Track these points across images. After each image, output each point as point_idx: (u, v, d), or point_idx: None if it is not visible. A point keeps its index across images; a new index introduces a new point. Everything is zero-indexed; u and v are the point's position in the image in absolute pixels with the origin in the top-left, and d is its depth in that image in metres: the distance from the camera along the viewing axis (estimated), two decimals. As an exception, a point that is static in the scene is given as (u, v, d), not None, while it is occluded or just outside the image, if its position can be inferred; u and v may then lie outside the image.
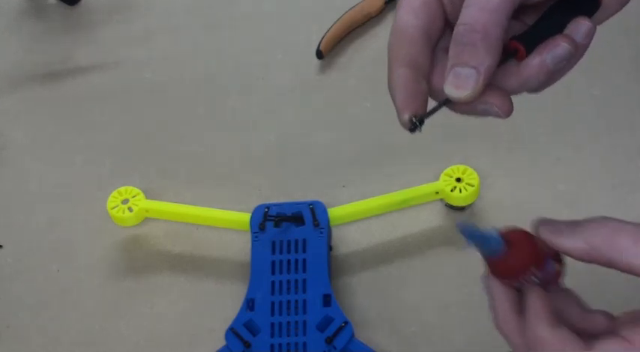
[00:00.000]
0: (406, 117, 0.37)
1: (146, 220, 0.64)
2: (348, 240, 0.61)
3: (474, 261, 0.60)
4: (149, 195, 0.63)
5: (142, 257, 0.62)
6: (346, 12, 0.76)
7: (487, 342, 0.55)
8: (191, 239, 0.63)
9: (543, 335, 0.35)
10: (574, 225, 0.36)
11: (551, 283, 0.38)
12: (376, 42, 0.75)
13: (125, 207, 0.62)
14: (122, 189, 0.63)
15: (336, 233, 0.61)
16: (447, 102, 0.37)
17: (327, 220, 0.58)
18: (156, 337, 0.58)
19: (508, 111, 0.37)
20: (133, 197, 0.62)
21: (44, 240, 0.65)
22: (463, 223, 0.36)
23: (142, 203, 0.62)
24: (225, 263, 0.61)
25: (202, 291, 0.60)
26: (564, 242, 0.36)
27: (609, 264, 0.35)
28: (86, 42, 0.80)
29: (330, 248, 0.59)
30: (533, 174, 0.63)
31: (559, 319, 0.36)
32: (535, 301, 0.36)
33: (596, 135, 0.65)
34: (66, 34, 0.81)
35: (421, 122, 0.37)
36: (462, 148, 0.65)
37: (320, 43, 0.73)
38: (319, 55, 0.73)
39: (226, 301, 0.58)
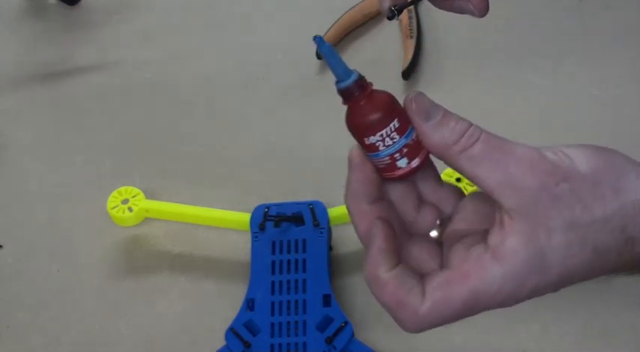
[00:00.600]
0: (386, 5, 0.40)
1: (146, 220, 0.64)
2: (348, 240, 0.61)
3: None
4: (149, 195, 0.63)
5: (142, 257, 0.63)
6: (346, 12, 0.76)
7: (487, 342, 0.55)
8: (191, 239, 0.63)
9: (379, 277, 0.35)
10: (441, 116, 0.35)
11: (420, 156, 0.36)
12: (376, 42, 0.75)
13: (125, 207, 0.62)
14: (122, 189, 0.63)
15: (336, 233, 0.61)
16: None
17: (327, 220, 0.58)
18: (156, 337, 0.58)
19: (483, 11, 0.40)
20: (133, 197, 0.63)
21: (44, 240, 0.65)
22: (322, 39, 0.35)
23: (142, 203, 0.62)
24: (225, 263, 0.61)
25: (202, 291, 0.60)
26: (426, 128, 0.35)
27: (454, 166, 0.35)
28: (86, 42, 0.80)
29: (330, 248, 0.59)
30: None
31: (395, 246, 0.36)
32: (377, 238, 0.35)
33: (597, 135, 0.65)
34: (66, 34, 0.81)
35: (399, 11, 0.40)
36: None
37: (320, 43, 0.73)
38: (319, 55, 0.73)
39: (226, 301, 0.58)
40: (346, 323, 0.53)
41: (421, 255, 0.37)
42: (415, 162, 0.35)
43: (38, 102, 0.75)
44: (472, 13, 0.40)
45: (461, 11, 0.41)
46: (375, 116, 0.35)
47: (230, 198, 0.64)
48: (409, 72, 0.70)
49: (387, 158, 0.35)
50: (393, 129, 0.35)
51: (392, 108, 0.35)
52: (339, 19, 0.75)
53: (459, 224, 0.37)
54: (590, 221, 0.33)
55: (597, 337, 0.54)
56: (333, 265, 0.59)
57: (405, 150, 0.35)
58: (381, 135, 0.35)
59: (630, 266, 0.36)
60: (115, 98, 0.74)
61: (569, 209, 0.33)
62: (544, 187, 0.33)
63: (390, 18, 0.41)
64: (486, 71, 0.71)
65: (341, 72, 0.35)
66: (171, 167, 0.68)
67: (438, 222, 0.38)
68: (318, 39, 0.35)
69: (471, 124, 0.35)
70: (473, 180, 0.35)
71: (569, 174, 0.33)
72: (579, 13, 0.74)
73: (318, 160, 0.67)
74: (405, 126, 0.35)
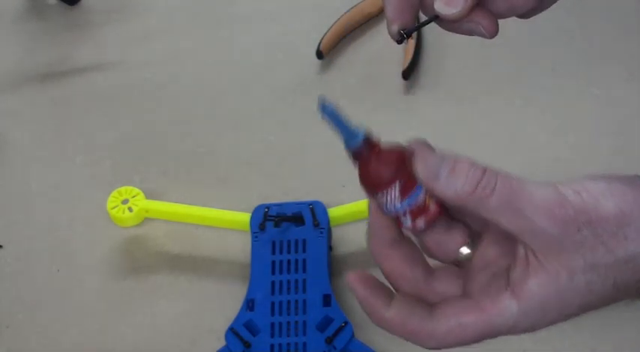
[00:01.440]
0: (395, 28, 0.39)
1: (146, 220, 0.64)
2: (348, 240, 0.61)
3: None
4: (149, 195, 0.63)
5: (142, 257, 0.62)
6: (346, 12, 0.76)
7: (487, 342, 0.54)
8: (191, 239, 0.63)
9: (384, 317, 0.35)
10: (450, 169, 0.34)
11: (425, 217, 0.35)
12: (376, 42, 0.75)
13: (125, 207, 0.62)
14: (122, 189, 0.63)
15: (336, 233, 0.61)
16: (435, 18, 0.39)
17: (327, 220, 0.58)
18: (156, 337, 0.58)
19: (493, 33, 0.39)
20: (133, 197, 0.62)
21: (44, 240, 0.65)
22: (324, 101, 0.34)
23: (141, 203, 0.62)
24: (225, 263, 0.61)
25: (202, 291, 0.60)
26: (436, 186, 0.34)
27: (473, 212, 0.34)
28: (86, 42, 0.80)
29: (330, 248, 0.59)
30: (533, 174, 0.63)
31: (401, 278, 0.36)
32: (357, 291, 0.36)
33: (596, 135, 0.65)
34: (66, 34, 0.81)
35: (408, 35, 0.40)
36: (461, 148, 0.65)
37: (320, 43, 0.73)
38: (319, 55, 0.73)
39: (226, 301, 0.58)
40: (346, 323, 0.53)
41: (446, 288, 0.37)
42: (420, 223, 0.35)
43: (38, 102, 0.75)
44: (482, 35, 0.40)
45: (470, 33, 0.40)
46: (379, 176, 0.35)
47: (230, 198, 0.64)
48: (409, 72, 0.70)
49: (394, 214, 0.35)
50: (396, 189, 0.35)
51: (398, 168, 0.35)
52: (339, 19, 0.75)
53: (488, 246, 0.36)
54: (612, 261, 0.33)
55: (598, 337, 0.54)
56: (333, 265, 0.59)
57: (409, 210, 0.35)
58: (383, 194, 0.35)
59: None
60: (115, 98, 0.74)
61: (592, 251, 0.33)
62: (566, 234, 0.33)
63: (399, 42, 0.41)
64: (486, 71, 0.71)
65: (347, 133, 0.35)
66: (171, 167, 0.68)
67: (468, 241, 0.37)
68: (321, 104, 0.34)
69: (484, 171, 0.34)
70: (494, 223, 0.34)
71: (592, 217, 0.33)
72: (579, 13, 0.74)
73: (318, 160, 0.67)
74: (413, 183, 0.35)
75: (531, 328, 0.34)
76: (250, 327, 0.54)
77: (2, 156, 0.71)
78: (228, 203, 0.63)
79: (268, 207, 0.59)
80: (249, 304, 0.55)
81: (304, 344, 0.53)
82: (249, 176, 0.67)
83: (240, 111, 0.72)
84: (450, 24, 0.40)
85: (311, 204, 0.59)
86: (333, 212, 0.59)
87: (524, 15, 0.42)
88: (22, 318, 0.60)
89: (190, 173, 0.68)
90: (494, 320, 0.34)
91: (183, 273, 0.61)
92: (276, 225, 0.58)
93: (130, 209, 0.62)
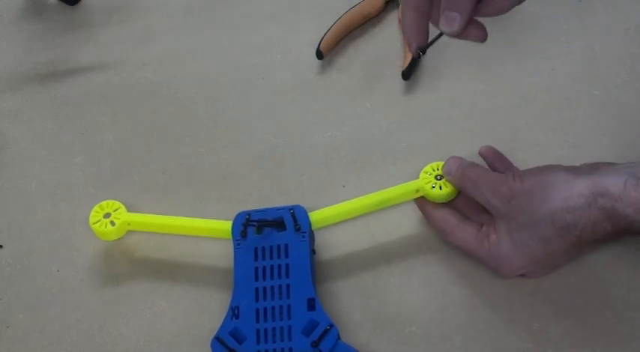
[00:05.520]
0: (414, 46, 0.53)
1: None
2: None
3: (471, 262, 0.60)
4: (149, 194, 0.63)
5: (142, 257, 0.63)
6: (346, 12, 0.76)
7: (487, 342, 0.55)
8: (191, 240, 0.63)
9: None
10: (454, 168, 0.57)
11: None
12: (376, 42, 0.75)
13: (107, 221, 0.61)
14: (104, 203, 0.62)
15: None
16: (441, 34, 0.53)
17: (309, 224, 0.57)
18: (155, 337, 0.58)
19: (483, 39, 0.52)
20: (115, 210, 0.62)
21: (44, 240, 0.65)
22: None
23: (123, 216, 0.61)
24: (224, 263, 0.61)
25: (202, 292, 0.60)
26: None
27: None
28: (86, 42, 0.80)
29: (314, 251, 0.59)
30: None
31: None
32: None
33: (596, 135, 0.65)
34: (66, 34, 0.81)
35: (423, 51, 0.54)
36: (461, 148, 0.65)
37: (320, 43, 0.73)
38: (319, 55, 0.73)
39: (226, 302, 0.58)
40: (331, 326, 0.53)
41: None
42: None
43: (38, 102, 0.76)
44: (476, 40, 0.52)
45: (467, 39, 0.52)
46: None
47: (231, 198, 0.65)
48: (409, 72, 0.70)
49: None
50: None
51: None
52: (339, 19, 0.75)
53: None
54: (532, 221, 0.52)
55: (598, 337, 0.54)
56: (318, 269, 0.59)
57: None
58: None
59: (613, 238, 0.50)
60: (115, 98, 0.75)
61: (518, 215, 0.53)
62: (502, 204, 0.54)
63: (418, 57, 0.54)
64: (486, 71, 0.71)
65: None
66: (171, 168, 0.68)
67: None
68: None
69: (465, 167, 0.57)
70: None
71: (516, 192, 0.53)
72: (579, 13, 0.74)
73: (317, 160, 0.67)
74: None
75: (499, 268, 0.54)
76: (236, 335, 0.54)
77: (2, 155, 0.71)
78: (228, 202, 0.63)
79: (249, 213, 0.58)
80: (234, 312, 0.55)
81: (290, 349, 0.53)
82: (249, 176, 0.67)
83: (240, 111, 0.72)
84: (451, 36, 0.52)
85: (292, 209, 0.58)
86: (314, 215, 0.58)
87: (507, 12, 0.52)
88: (22, 318, 0.60)
89: (190, 173, 0.68)
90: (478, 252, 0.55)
91: (184, 273, 0.61)
92: (258, 232, 0.57)
93: (113, 222, 0.61)
